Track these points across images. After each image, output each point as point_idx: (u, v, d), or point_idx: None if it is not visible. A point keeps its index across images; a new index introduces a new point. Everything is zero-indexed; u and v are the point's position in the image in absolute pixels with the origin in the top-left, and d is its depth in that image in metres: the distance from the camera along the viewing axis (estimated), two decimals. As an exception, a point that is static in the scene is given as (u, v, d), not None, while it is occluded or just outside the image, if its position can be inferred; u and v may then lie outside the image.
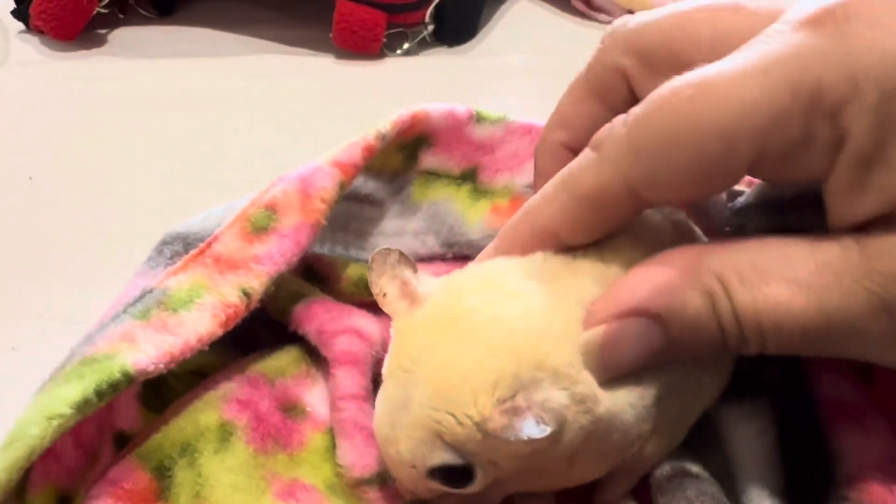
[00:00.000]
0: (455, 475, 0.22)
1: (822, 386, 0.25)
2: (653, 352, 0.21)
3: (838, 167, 0.20)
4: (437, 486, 0.23)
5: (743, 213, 0.26)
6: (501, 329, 0.22)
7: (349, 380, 0.27)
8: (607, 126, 0.22)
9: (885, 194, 0.20)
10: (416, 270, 0.24)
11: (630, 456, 0.24)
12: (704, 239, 0.26)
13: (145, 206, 0.43)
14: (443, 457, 0.22)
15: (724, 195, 0.28)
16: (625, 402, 0.22)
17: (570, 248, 0.23)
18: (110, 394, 0.23)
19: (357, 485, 0.26)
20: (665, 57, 0.24)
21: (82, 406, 0.22)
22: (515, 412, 0.20)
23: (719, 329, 0.21)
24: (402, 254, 0.24)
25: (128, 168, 0.46)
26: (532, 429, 0.20)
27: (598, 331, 0.22)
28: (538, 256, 0.24)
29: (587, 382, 0.22)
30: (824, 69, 0.19)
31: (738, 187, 0.28)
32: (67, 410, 0.22)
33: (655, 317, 0.21)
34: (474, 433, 0.21)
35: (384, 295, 0.24)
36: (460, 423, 0.21)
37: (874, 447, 0.23)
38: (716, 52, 0.21)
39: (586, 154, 0.22)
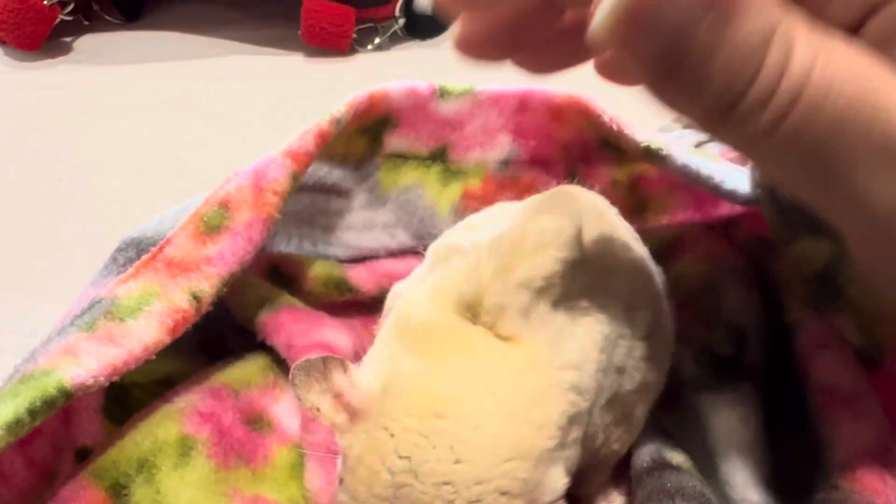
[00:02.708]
0: None
1: (814, 370, 0.24)
2: (689, 31, 0.16)
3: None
4: None
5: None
6: (490, 423, 0.19)
7: None
8: None
9: None
10: (346, 370, 0.21)
11: (600, 449, 0.23)
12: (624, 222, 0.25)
13: (113, 216, 0.42)
14: None
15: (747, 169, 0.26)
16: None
17: None
18: (45, 411, 0.21)
19: None
20: None
21: (14, 426, 0.21)
22: None
23: (757, 59, 0.17)
24: (325, 359, 0.21)
25: (95, 178, 0.45)
26: None
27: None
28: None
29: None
30: None
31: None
32: None
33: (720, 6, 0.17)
34: None
35: (318, 410, 0.21)
36: None
37: (867, 434, 0.22)
38: None
39: None
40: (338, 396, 0.20)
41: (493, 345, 0.20)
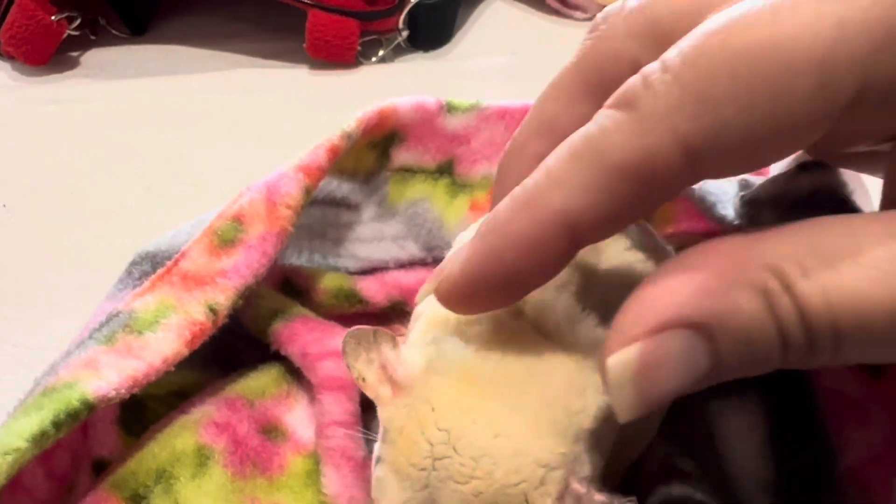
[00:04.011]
0: None
1: (821, 377, 0.24)
2: (698, 374, 0.16)
3: None
4: None
5: (754, 205, 0.25)
6: (529, 406, 0.20)
7: (336, 406, 0.26)
8: (636, 78, 0.17)
9: None
10: (395, 345, 0.22)
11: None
12: (661, 241, 0.25)
13: (124, 229, 0.42)
14: None
15: (735, 184, 0.26)
16: None
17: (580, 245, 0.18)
18: (69, 423, 0.22)
19: None
20: (685, 27, 0.17)
21: (39, 438, 0.21)
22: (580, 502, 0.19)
23: (779, 336, 0.16)
24: (377, 331, 0.22)
25: (104, 191, 0.45)
26: None
27: (630, 352, 0.16)
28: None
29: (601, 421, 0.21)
30: None
31: (749, 177, 0.27)
32: (23, 444, 0.21)
33: (701, 327, 0.16)
34: None
35: (363, 380, 0.22)
36: None
37: (874, 440, 0.23)
38: None
39: (612, 115, 0.17)
40: (383, 368, 0.21)
41: (538, 339, 0.21)
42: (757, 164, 0.17)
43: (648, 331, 0.16)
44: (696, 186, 0.27)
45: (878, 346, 0.16)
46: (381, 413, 0.21)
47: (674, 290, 0.16)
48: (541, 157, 0.19)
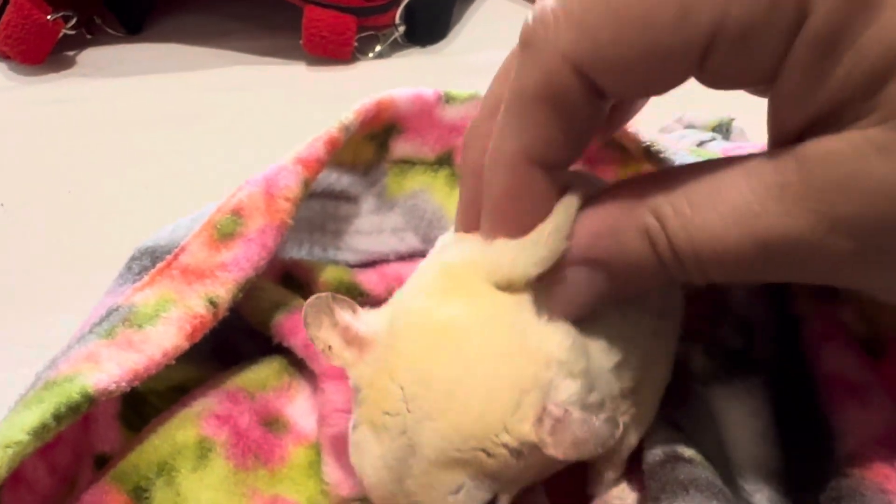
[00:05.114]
0: None
1: (821, 361, 0.24)
2: (600, 295, 0.21)
3: (794, 52, 0.17)
4: None
5: None
6: (495, 335, 0.20)
7: (339, 395, 0.26)
8: (529, 17, 0.19)
9: (842, 85, 0.17)
10: (355, 310, 0.22)
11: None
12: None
13: (122, 227, 0.42)
14: (475, 495, 0.20)
15: None
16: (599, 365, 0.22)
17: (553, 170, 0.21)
18: (70, 416, 0.22)
19: None
20: None
21: (40, 431, 0.21)
22: (560, 424, 0.19)
23: (660, 264, 0.20)
24: (334, 296, 0.22)
25: (102, 190, 0.45)
26: (607, 432, 0.19)
27: (543, 284, 0.21)
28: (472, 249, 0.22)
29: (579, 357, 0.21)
30: None
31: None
32: (24, 437, 0.21)
33: (597, 262, 0.20)
34: (509, 460, 0.20)
35: (329, 348, 0.21)
36: (492, 456, 0.19)
37: (875, 422, 0.23)
38: None
39: (519, 58, 0.20)
40: (345, 329, 0.21)
41: (495, 291, 0.21)
42: (644, 88, 0.20)
43: (557, 267, 0.21)
44: None
45: (733, 271, 0.19)
46: (351, 374, 0.21)
47: (578, 233, 0.21)
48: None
